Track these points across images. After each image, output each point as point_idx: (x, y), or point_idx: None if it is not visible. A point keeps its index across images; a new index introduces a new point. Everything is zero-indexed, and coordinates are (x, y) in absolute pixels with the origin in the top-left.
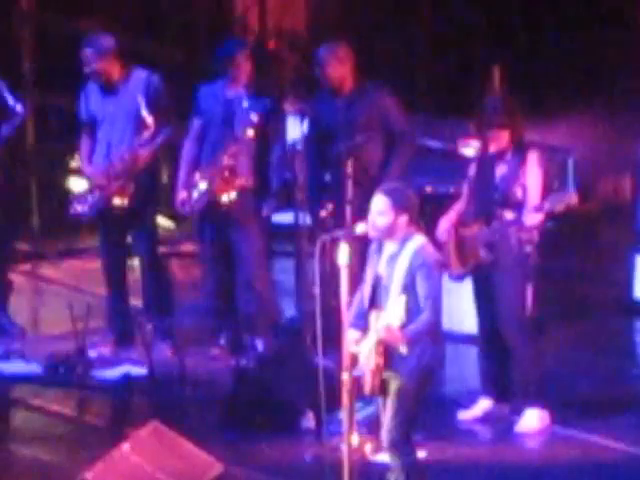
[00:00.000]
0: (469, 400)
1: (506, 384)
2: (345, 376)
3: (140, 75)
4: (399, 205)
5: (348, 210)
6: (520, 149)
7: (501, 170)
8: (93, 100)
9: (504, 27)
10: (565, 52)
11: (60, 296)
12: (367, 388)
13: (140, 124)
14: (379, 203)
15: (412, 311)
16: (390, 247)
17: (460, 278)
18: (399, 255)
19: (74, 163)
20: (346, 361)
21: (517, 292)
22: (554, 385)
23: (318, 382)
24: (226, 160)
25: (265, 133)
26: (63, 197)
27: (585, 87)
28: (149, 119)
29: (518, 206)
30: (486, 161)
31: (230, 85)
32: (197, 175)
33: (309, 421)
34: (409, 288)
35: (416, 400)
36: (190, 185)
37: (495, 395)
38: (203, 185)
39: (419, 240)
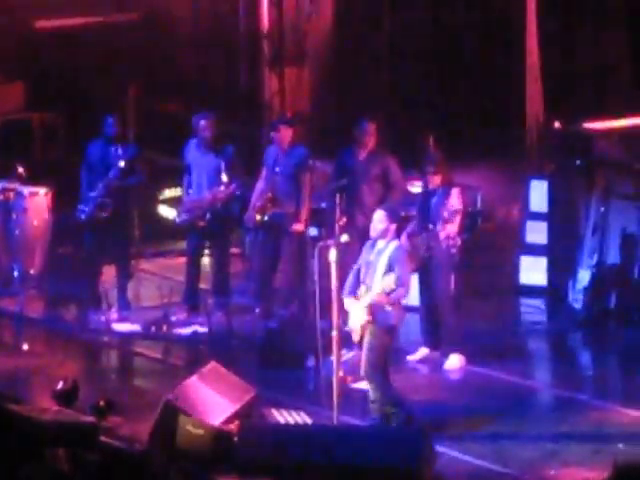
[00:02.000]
0: (413, 348)
1: (438, 338)
2: (334, 333)
3: (223, 144)
4: (391, 218)
5: (337, 227)
6: (447, 187)
7: (434, 201)
8: (191, 153)
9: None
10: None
11: (153, 282)
12: (356, 338)
13: (219, 178)
14: (379, 214)
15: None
16: (380, 244)
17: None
18: (384, 250)
19: (161, 196)
20: (334, 323)
21: (446, 279)
22: (469, 339)
23: (317, 337)
24: (268, 193)
25: (298, 176)
26: (154, 218)
27: (488, 148)
28: (225, 178)
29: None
30: (425, 195)
31: (276, 146)
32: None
33: (312, 362)
34: (388, 271)
35: (386, 345)
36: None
37: (430, 345)
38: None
39: (397, 242)
